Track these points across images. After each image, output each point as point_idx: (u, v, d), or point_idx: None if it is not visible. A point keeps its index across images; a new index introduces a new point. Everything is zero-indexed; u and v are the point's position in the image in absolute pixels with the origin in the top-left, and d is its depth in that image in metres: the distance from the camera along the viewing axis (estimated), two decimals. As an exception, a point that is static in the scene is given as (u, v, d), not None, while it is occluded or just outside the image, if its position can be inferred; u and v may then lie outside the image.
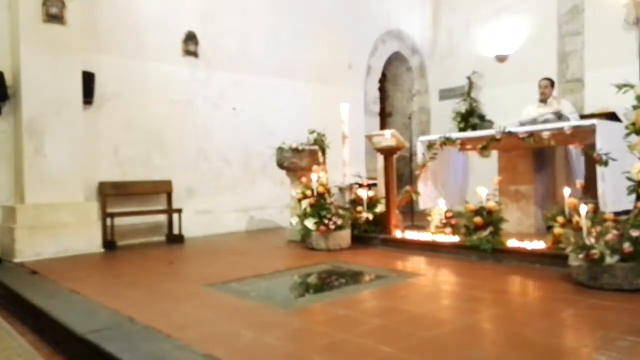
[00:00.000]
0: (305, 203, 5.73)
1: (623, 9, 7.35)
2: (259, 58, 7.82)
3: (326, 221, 5.43)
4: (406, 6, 9.92)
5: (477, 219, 4.72)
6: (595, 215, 3.77)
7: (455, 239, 4.98)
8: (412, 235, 5.51)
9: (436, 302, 3.40)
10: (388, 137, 5.70)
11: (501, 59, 8.95)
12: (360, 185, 6.46)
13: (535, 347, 2.43)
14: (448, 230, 5.11)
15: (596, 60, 7.67)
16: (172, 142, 6.93)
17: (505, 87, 8.67)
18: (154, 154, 6.76)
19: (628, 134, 3.70)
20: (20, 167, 5.59)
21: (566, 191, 4.31)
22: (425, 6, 10.16)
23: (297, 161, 6.21)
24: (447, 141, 5.55)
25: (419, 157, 5.89)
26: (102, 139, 6.28)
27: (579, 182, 4.59)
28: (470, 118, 8.77)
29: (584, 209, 3.64)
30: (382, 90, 10.05)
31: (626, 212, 3.72)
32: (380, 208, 5.90)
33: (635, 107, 3.63)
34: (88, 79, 6.00)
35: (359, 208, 5.93)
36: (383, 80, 9.99)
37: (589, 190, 4.32)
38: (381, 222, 5.79)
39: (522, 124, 5.22)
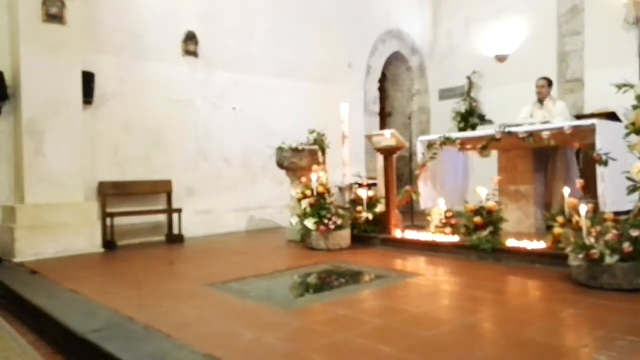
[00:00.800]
0: (305, 203, 5.73)
1: (623, 9, 7.35)
2: (259, 58, 7.82)
3: (326, 221, 5.43)
4: (406, 6, 9.92)
5: (477, 219, 4.72)
6: (595, 215, 3.77)
7: (455, 239, 4.98)
8: (412, 235, 5.51)
9: (436, 302, 3.40)
10: (388, 137, 5.70)
11: (501, 59, 8.95)
12: (360, 185, 6.46)
13: (535, 347, 2.43)
14: (448, 230, 5.11)
15: (596, 60, 7.67)
16: (172, 142, 6.93)
17: (505, 87, 8.67)
18: (154, 154, 6.76)
19: (628, 134, 3.70)
20: (20, 167, 5.59)
21: (566, 191, 4.31)
22: (425, 6, 10.16)
23: (297, 161, 6.21)
24: (447, 141, 5.55)
25: (419, 157, 5.89)
26: (102, 139, 6.28)
27: (579, 182, 4.59)
28: (470, 118, 8.76)
29: (584, 209, 3.65)
30: (382, 90, 10.05)
31: (626, 212, 3.72)
32: (380, 208, 5.90)
33: (635, 107, 3.63)
34: (88, 79, 6.00)
35: (359, 208, 5.93)
36: (383, 80, 9.99)
37: (589, 190, 4.32)
38: (381, 222, 5.79)
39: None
